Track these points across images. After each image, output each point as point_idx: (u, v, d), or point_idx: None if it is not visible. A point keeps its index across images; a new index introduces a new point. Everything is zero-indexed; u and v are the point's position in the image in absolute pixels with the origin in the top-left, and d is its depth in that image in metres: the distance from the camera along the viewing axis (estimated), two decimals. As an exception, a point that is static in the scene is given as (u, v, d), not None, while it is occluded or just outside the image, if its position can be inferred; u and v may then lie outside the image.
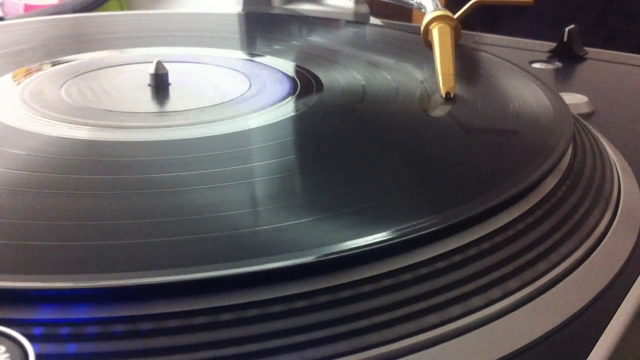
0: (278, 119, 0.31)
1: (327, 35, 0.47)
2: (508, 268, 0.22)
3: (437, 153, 0.28)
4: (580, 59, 0.51)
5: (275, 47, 0.44)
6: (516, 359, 0.19)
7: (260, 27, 0.51)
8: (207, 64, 0.40)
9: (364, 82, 0.36)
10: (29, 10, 0.67)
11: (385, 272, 0.20)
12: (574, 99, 0.40)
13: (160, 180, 0.25)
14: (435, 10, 0.40)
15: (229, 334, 0.18)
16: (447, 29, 0.38)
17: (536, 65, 0.49)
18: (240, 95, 0.34)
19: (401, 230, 0.21)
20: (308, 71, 0.38)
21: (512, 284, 0.21)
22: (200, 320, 0.18)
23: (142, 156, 0.27)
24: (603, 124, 0.37)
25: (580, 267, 0.23)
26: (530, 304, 0.21)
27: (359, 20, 0.55)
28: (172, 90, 0.35)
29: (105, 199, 0.23)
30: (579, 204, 0.26)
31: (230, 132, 0.30)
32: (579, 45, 0.52)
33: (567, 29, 0.52)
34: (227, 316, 0.18)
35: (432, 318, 0.19)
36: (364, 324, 0.19)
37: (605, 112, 0.40)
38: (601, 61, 0.51)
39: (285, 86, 0.36)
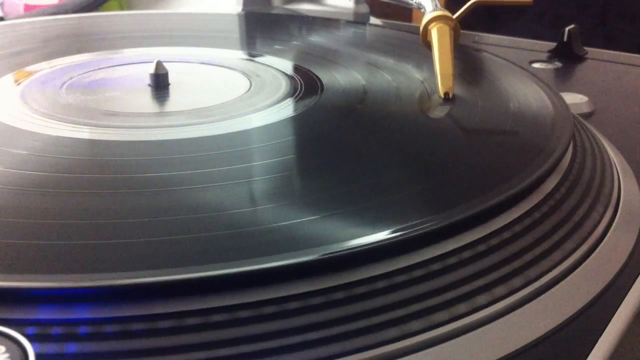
0: (278, 119, 0.31)
1: (327, 35, 0.47)
2: (508, 268, 0.22)
3: (438, 153, 0.28)
4: (580, 59, 0.51)
5: (276, 47, 0.44)
6: (516, 359, 0.19)
7: (260, 27, 0.51)
8: (207, 64, 0.40)
9: (364, 82, 0.36)
10: (29, 10, 0.67)
11: (385, 273, 0.20)
12: (574, 99, 0.40)
13: (159, 180, 0.25)
14: (434, 10, 0.40)
15: (232, 333, 0.18)
16: (446, 29, 0.38)
17: (536, 65, 0.49)
18: (240, 95, 0.34)
19: (401, 231, 0.21)
20: (308, 71, 0.38)
21: (512, 283, 0.21)
22: (212, 319, 0.18)
23: (142, 156, 0.27)
24: (603, 124, 0.37)
25: (580, 267, 0.23)
26: (530, 304, 0.21)
27: (359, 20, 0.55)
28: (172, 90, 0.35)
29: (105, 199, 0.23)
30: (579, 204, 0.26)
31: (230, 132, 0.30)
32: (579, 45, 0.51)
33: (567, 29, 0.52)
34: (228, 316, 0.18)
35: (432, 318, 0.19)
36: (364, 324, 0.19)
37: (605, 112, 0.40)
38: (601, 61, 0.51)
39: (285, 86, 0.36)
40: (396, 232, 0.21)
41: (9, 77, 0.36)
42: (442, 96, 0.33)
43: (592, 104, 0.40)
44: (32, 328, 0.17)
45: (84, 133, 0.29)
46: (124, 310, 0.18)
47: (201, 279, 0.18)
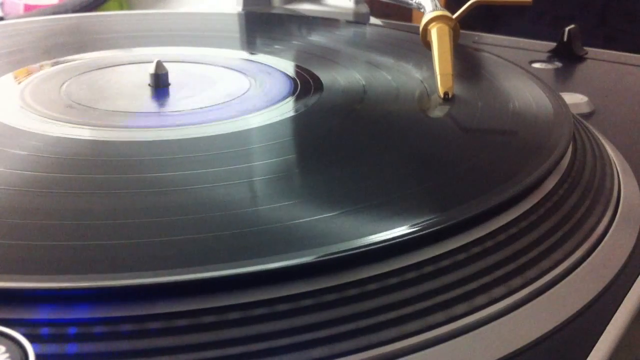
0: (278, 119, 0.31)
1: (327, 35, 0.47)
2: (507, 268, 0.22)
3: (438, 153, 0.28)
4: (580, 59, 0.51)
5: (275, 47, 0.44)
6: (516, 359, 0.19)
7: (260, 27, 0.51)
8: (207, 64, 0.40)
9: (363, 82, 0.36)
10: (29, 10, 0.67)
11: (385, 272, 0.20)
12: (574, 99, 0.40)
13: (159, 180, 0.25)
14: (434, 10, 0.40)
15: (239, 332, 0.18)
16: (446, 29, 0.38)
17: (536, 65, 0.49)
18: (240, 95, 0.34)
19: (400, 231, 0.21)
20: (308, 71, 0.38)
21: (512, 284, 0.21)
22: (208, 319, 0.18)
23: (142, 156, 0.27)
24: (603, 124, 0.37)
25: (581, 267, 0.23)
26: (530, 304, 0.21)
27: (359, 20, 0.55)
28: (172, 90, 0.35)
29: (105, 199, 0.23)
30: (578, 204, 0.26)
31: (230, 132, 0.30)
32: (579, 45, 0.52)
33: (567, 29, 0.52)
34: (234, 315, 0.18)
35: (432, 318, 0.19)
36: (364, 324, 0.19)
37: (605, 112, 0.40)
38: (601, 61, 0.51)
39: (285, 86, 0.36)
40: (393, 234, 0.21)
41: (9, 77, 0.36)
42: (442, 96, 0.33)
43: (592, 104, 0.40)
44: (32, 328, 0.17)
45: (84, 133, 0.29)
46: (127, 310, 0.18)
47: (196, 281, 0.18)
